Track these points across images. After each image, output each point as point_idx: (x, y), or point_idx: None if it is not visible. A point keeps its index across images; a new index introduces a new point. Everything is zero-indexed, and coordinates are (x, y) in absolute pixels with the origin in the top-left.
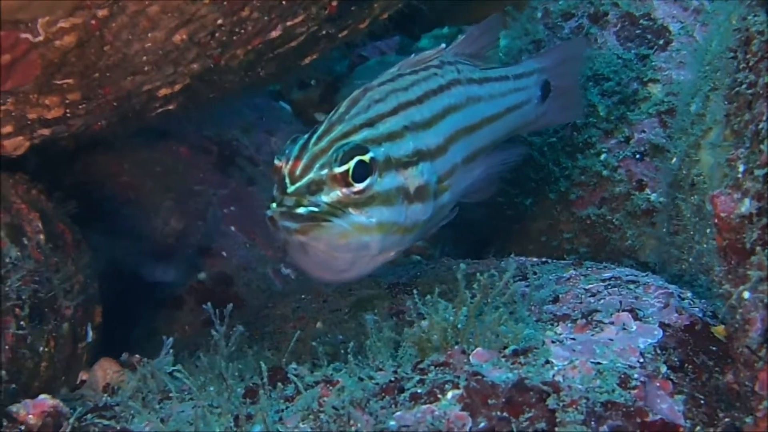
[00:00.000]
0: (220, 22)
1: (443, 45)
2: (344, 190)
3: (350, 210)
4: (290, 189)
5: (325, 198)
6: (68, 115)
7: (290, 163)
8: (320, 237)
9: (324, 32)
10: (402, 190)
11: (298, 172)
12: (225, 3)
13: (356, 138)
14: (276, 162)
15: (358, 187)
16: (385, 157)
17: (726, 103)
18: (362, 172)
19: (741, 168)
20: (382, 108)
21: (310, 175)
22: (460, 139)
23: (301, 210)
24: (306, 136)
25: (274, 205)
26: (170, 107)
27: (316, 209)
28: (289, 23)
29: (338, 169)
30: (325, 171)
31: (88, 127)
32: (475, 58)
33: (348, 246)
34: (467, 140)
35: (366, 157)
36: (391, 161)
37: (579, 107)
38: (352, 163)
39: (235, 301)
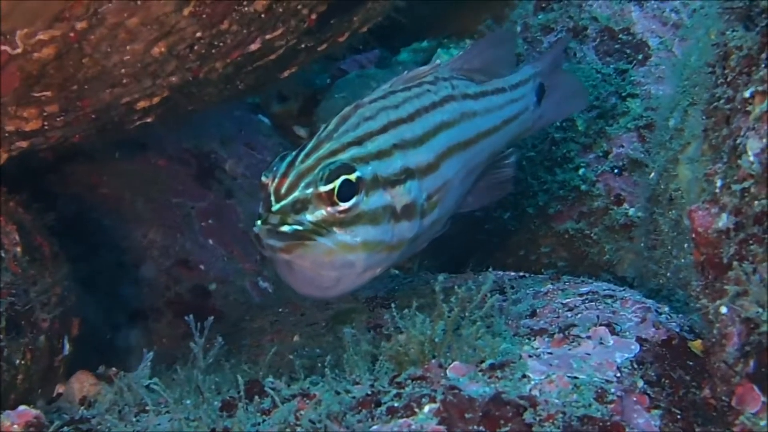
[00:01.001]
0: (199, 35)
1: (438, 61)
2: (329, 209)
3: (335, 229)
4: (275, 207)
5: (310, 217)
6: (46, 127)
7: (276, 180)
8: (304, 255)
9: (303, 45)
10: (389, 208)
11: (283, 190)
12: (204, 16)
13: (343, 156)
14: (263, 179)
15: (344, 206)
16: (372, 175)
17: (704, 117)
18: (348, 191)
19: (719, 183)
20: (372, 126)
21: (296, 194)
22: (454, 155)
23: (285, 228)
24: (294, 153)
25: (259, 222)
26: (149, 119)
27: (300, 228)
28: (268, 36)
29: (323, 188)
30: (310, 189)
31: (67, 139)
32: (478, 72)
33: (332, 264)
34: (462, 156)
35: (352, 177)
36: (378, 180)
37: (582, 96)
38: (337, 183)
39: (212, 313)
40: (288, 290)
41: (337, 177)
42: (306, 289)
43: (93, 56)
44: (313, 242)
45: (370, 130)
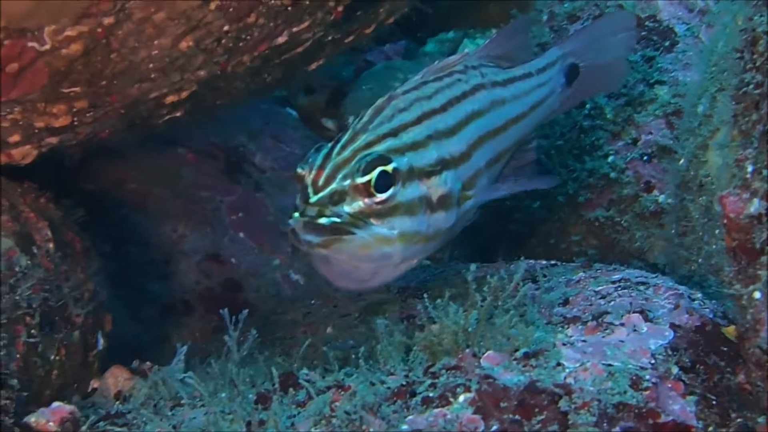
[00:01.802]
0: (226, 28)
1: (467, 50)
2: (366, 200)
3: (372, 220)
4: (313, 199)
5: (347, 209)
6: (75, 123)
7: (313, 172)
8: (341, 250)
9: (330, 38)
10: (425, 199)
11: (321, 182)
12: (231, 9)
13: (379, 148)
14: (299, 171)
15: (381, 197)
16: (408, 167)
17: (733, 103)
18: (385, 182)
19: (749, 168)
20: (406, 117)
21: (333, 186)
22: (484, 143)
23: (323, 221)
24: (330, 145)
25: (296, 214)
26: (177, 114)
27: (338, 220)
28: (295, 29)
29: (360, 180)
30: (347, 181)
31: (96, 134)
32: (503, 59)
33: (370, 257)
34: (491, 144)
35: (389, 168)
36: (414, 171)
37: (617, 77)
38: (374, 174)
39: (244, 306)
40: (319, 282)
41: (374, 168)
42: (343, 282)
43: (120, 51)
44: (351, 236)
45: (404, 121)
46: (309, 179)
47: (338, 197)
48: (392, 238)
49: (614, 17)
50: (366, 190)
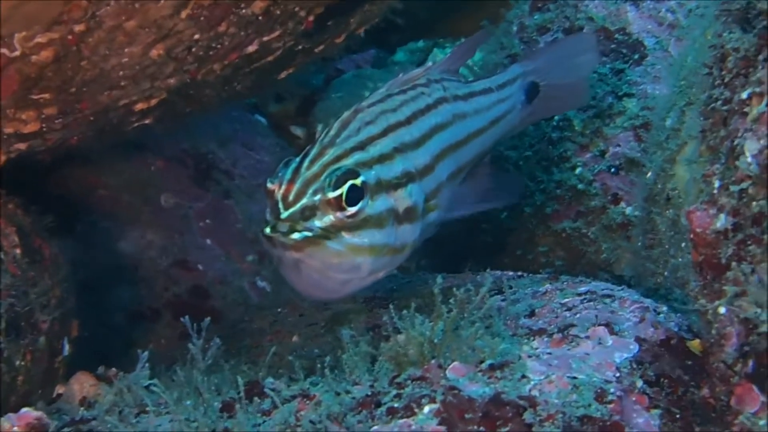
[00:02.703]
0: (197, 37)
1: (430, 63)
2: (338, 214)
3: (343, 233)
4: (284, 214)
5: (319, 223)
6: (45, 129)
7: (283, 187)
8: (315, 254)
9: (300, 47)
10: (392, 212)
11: (291, 197)
12: (202, 18)
13: (348, 162)
14: (269, 185)
15: (351, 210)
16: (376, 180)
17: (702, 119)
18: (354, 195)
19: (717, 184)
20: (373, 130)
21: (304, 201)
22: (447, 156)
23: (295, 236)
24: (298, 159)
25: (267, 229)
26: (147, 121)
27: (309, 234)
28: (265, 38)
29: (332, 195)
30: (318, 196)
31: (65, 141)
32: (460, 74)
33: (341, 266)
34: (453, 157)
35: (358, 181)
36: (381, 184)
37: (581, 96)
38: (345, 188)
39: (211, 314)
40: (287, 291)
41: (344, 183)
42: (312, 292)
43: (91, 59)
44: (324, 243)
45: (371, 134)
46: (279, 194)
47: (309, 212)
48: (363, 248)
49: (577, 39)
50: (337, 205)
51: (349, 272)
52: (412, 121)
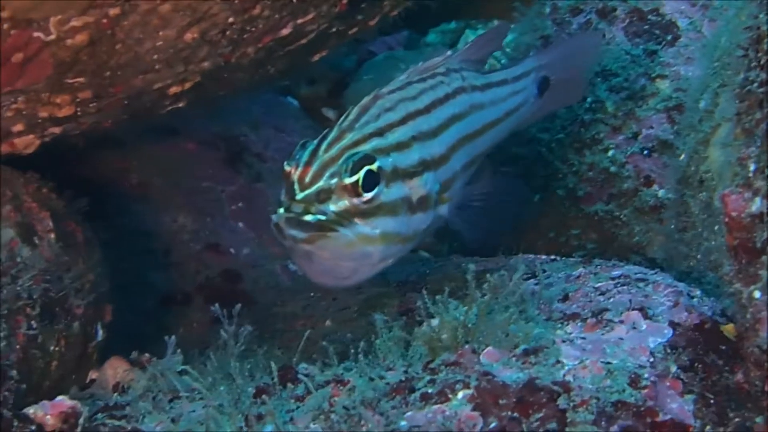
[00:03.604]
0: (231, 20)
1: (449, 52)
2: (353, 200)
3: (356, 220)
4: (299, 196)
5: (333, 207)
6: (79, 113)
7: (300, 169)
8: (326, 246)
9: (334, 29)
10: (406, 200)
11: (307, 179)
12: (236, 1)
13: (366, 147)
14: (285, 167)
15: (367, 197)
16: (392, 167)
17: (737, 101)
18: (371, 182)
19: (752, 167)
20: (392, 117)
21: (320, 183)
22: (462, 146)
23: (309, 218)
24: (316, 142)
25: (281, 210)
26: (180, 105)
27: (323, 217)
28: (299, 21)
29: (348, 180)
30: (334, 180)
31: (99, 124)
32: (479, 64)
33: (352, 255)
34: (468, 147)
35: (374, 167)
36: (398, 171)
37: (578, 92)
38: (361, 174)
39: (243, 297)
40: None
41: (361, 168)
42: (322, 279)
43: (125, 42)
44: (335, 233)
45: (390, 121)
46: (295, 176)
47: (324, 195)
48: (374, 237)
49: (586, 37)
50: (353, 190)
51: (359, 260)
52: (431, 109)
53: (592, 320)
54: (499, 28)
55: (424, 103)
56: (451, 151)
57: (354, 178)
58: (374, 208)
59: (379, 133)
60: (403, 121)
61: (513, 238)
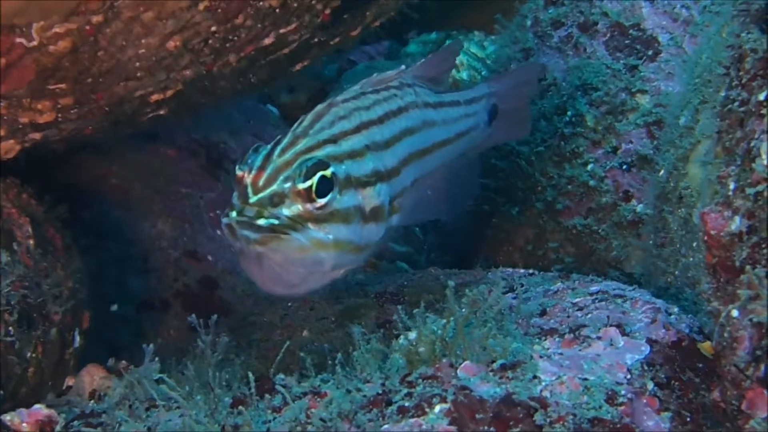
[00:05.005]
0: (214, 29)
1: (403, 66)
2: (306, 205)
3: (309, 225)
4: (252, 199)
5: (287, 211)
6: (60, 119)
7: (253, 173)
8: (278, 249)
9: (316, 40)
10: (359, 209)
11: (261, 183)
12: (220, 10)
13: (320, 153)
14: (238, 171)
15: (320, 202)
16: (346, 174)
17: (718, 119)
18: (324, 188)
19: (732, 185)
20: (346, 125)
21: (273, 187)
22: (413, 162)
23: (261, 221)
24: (269, 146)
25: (233, 213)
26: (161, 112)
27: (276, 221)
28: (282, 31)
29: (302, 185)
30: (288, 184)
31: (80, 131)
32: (432, 82)
33: (303, 261)
34: (418, 164)
35: (328, 173)
36: (351, 179)
37: (525, 126)
38: (315, 179)
39: (220, 305)
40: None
41: (315, 173)
42: (272, 286)
43: (108, 50)
44: (289, 236)
45: (344, 129)
46: (248, 180)
47: (278, 199)
48: (327, 243)
49: (528, 68)
50: (307, 195)
51: (311, 266)
52: (384, 120)
53: (570, 336)
54: (452, 47)
55: (377, 114)
56: (402, 164)
57: (308, 183)
58: (327, 214)
59: (333, 140)
60: (357, 130)
61: (490, 250)
